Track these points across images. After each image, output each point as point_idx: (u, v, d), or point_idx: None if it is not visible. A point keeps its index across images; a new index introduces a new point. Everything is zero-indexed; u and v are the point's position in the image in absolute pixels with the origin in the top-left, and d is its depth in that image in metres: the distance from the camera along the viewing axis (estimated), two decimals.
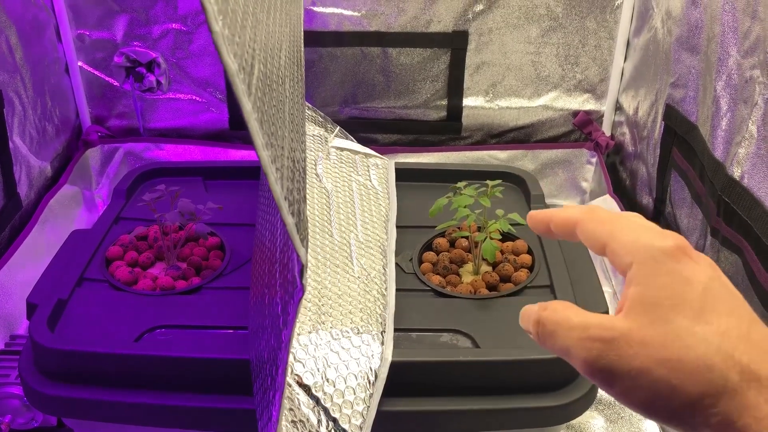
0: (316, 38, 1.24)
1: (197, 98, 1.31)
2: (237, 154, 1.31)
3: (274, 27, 0.53)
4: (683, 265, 0.31)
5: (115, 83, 1.30)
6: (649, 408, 0.31)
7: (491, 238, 0.80)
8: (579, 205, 0.35)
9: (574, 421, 0.80)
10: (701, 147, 0.91)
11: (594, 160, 1.31)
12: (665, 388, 0.30)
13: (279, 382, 0.46)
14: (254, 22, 0.43)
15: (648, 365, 0.30)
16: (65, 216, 1.20)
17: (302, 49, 0.74)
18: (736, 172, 0.80)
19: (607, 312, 0.80)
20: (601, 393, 0.92)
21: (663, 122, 1.06)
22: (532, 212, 0.37)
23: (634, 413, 0.96)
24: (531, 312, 0.34)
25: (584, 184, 1.34)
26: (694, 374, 0.29)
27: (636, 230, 0.33)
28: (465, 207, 0.81)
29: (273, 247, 0.54)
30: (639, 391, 0.30)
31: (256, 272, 0.70)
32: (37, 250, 1.07)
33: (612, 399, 0.98)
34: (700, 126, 0.93)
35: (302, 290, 0.39)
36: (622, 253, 0.32)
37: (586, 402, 0.74)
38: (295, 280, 0.40)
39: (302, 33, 0.79)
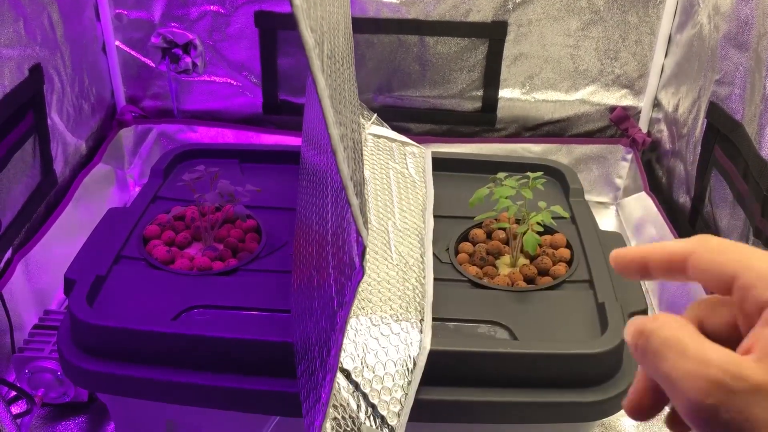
0: (353, 24, 1.23)
1: (232, 81, 1.31)
2: (270, 139, 1.31)
3: (332, 7, 0.53)
4: None
5: (151, 64, 1.30)
6: None
7: (532, 231, 0.79)
8: (674, 240, 0.30)
9: (605, 419, 0.79)
10: (746, 146, 0.90)
11: (630, 156, 1.30)
12: None
13: (331, 364, 0.45)
14: (321, 0, 0.42)
15: None
16: (98, 194, 1.20)
17: (351, 32, 0.73)
18: None
19: (645, 311, 0.79)
20: None
21: (705, 120, 1.04)
22: (617, 252, 0.31)
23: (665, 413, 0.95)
24: (635, 321, 0.29)
25: (618, 181, 1.32)
26: None
27: None
28: (506, 198, 0.81)
29: (323, 230, 0.54)
30: None
31: (300, 255, 0.70)
32: (71, 227, 1.08)
33: None
34: (746, 124, 0.91)
35: (362, 272, 0.38)
36: (762, 286, 0.27)
37: (621, 400, 0.73)
38: (353, 262, 0.39)
39: (350, 17, 0.78)
